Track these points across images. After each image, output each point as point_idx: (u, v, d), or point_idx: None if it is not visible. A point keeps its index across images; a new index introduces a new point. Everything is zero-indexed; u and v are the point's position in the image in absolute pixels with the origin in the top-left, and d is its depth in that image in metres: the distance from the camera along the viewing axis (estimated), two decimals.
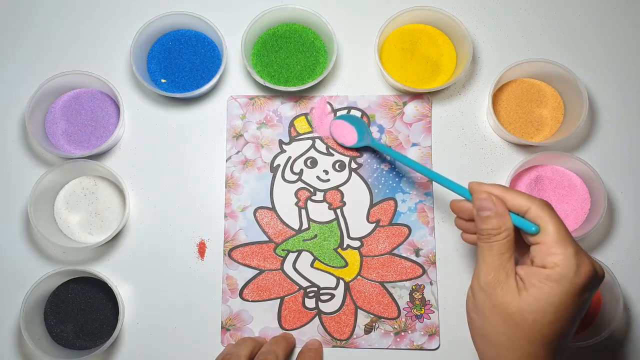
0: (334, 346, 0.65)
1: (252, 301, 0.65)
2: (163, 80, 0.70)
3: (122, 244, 0.68)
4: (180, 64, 0.70)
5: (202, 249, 0.67)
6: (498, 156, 0.70)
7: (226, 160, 0.68)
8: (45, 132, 0.69)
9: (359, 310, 0.65)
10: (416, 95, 0.69)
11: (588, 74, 0.71)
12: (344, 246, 0.66)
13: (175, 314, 0.66)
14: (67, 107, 0.70)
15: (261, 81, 0.68)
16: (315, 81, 0.67)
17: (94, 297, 0.65)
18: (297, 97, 0.70)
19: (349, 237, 0.66)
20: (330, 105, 0.69)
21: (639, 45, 0.73)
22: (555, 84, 0.70)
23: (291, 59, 0.70)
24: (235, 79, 0.71)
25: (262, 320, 0.65)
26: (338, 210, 0.67)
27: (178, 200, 0.68)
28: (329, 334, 0.65)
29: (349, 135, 0.68)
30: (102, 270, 0.66)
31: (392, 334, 0.64)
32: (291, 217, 0.67)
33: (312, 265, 0.66)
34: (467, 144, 0.70)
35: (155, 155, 0.70)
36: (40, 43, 0.72)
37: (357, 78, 0.72)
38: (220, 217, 0.68)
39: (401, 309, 0.65)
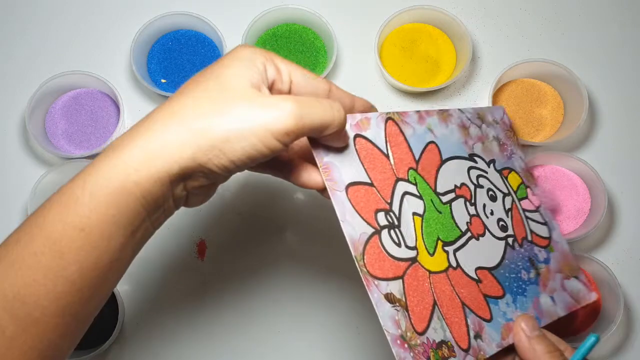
0: None
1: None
2: (163, 80, 0.70)
3: None
4: (180, 64, 0.70)
5: (201, 248, 0.67)
6: None
7: None
8: (45, 132, 0.69)
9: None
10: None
11: (588, 74, 0.71)
12: (446, 249, 0.51)
13: (175, 314, 0.66)
14: (67, 107, 0.70)
15: None
16: None
17: None
18: None
19: (456, 249, 0.52)
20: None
21: (639, 45, 0.73)
22: (555, 84, 0.70)
23: (291, 59, 0.70)
24: None
25: None
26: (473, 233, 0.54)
27: None
28: None
29: None
30: None
31: None
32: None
33: (414, 214, 0.50)
34: None
35: None
36: (40, 43, 0.72)
37: (357, 78, 0.72)
38: (220, 216, 0.68)
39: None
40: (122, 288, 0.66)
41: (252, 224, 0.69)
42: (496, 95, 0.70)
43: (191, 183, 0.40)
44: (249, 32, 0.68)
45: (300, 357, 0.65)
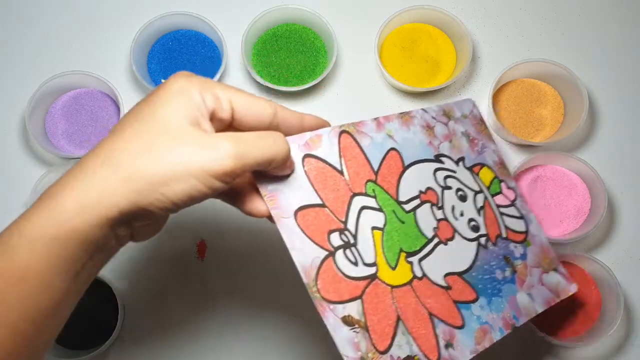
0: None
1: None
2: (163, 81, 0.70)
3: None
4: (180, 64, 0.70)
5: (201, 248, 0.67)
6: None
7: None
8: (45, 132, 0.69)
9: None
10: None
11: (588, 74, 0.71)
12: (409, 259, 0.50)
13: (175, 314, 0.66)
14: (67, 107, 0.70)
15: (261, 81, 0.68)
16: (316, 81, 0.67)
17: (94, 297, 0.65)
18: None
19: (421, 258, 0.51)
20: None
21: (639, 45, 0.73)
22: (555, 84, 0.70)
23: (291, 59, 0.70)
24: (235, 79, 0.72)
25: None
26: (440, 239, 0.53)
27: None
28: None
29: None
30: (102, 270, 0.66)
31: None
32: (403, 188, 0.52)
33: (373, 228, 0.49)
34: None
35: None
36: (40, 43, 0.72)
37: (357, 78, 0.72)
38: (221, 216, 0.68)
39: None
40: (122, 288, 0.66)
41: (253, 223, 0.68)
42: (496, 95, 0.70)
43: (135, 224, 0.39)
44: (249, 32, 0.68)
45: (301, 356, 0.65)
